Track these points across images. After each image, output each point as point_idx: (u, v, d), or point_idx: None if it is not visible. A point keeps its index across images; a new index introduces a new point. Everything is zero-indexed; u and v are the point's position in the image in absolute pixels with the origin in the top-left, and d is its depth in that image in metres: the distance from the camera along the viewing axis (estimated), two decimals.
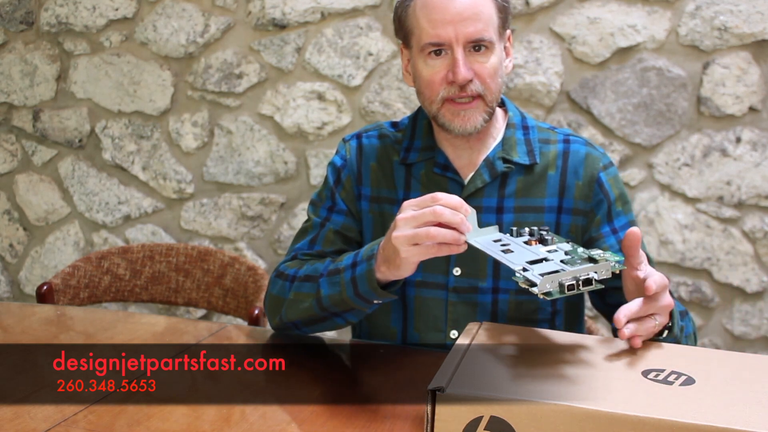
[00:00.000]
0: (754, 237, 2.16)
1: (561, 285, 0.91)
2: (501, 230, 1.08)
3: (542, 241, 1.05)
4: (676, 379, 0.75)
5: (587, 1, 2.18)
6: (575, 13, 2.19)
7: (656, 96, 2.17)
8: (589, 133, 2.21)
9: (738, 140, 2.14)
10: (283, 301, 1.29)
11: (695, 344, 1.26)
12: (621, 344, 0.91)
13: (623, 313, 0.99)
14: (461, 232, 1.03)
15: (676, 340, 1.14)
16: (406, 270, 1.10)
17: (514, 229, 1.07)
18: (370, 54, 2.33)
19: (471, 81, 1.20)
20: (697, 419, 0.66)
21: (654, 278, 1.02)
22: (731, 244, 2.18)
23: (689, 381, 0.75)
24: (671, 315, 1.10)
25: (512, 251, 1.02)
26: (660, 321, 1.04)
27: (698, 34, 2.12)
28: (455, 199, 1.04)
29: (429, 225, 1.03)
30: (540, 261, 0.98)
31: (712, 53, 2.13)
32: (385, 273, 1.13)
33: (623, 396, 0.70)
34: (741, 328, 2.20)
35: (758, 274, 2.18)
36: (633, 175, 2.21)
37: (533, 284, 0.90)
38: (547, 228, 1.07)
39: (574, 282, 0.92)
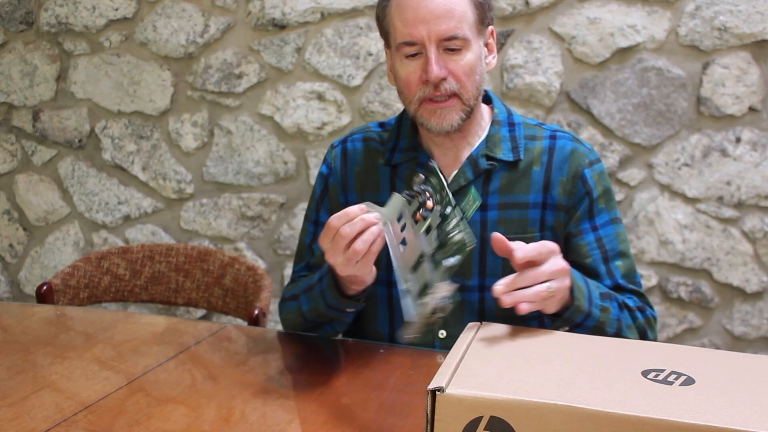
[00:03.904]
0: (753, 237, 2.17)
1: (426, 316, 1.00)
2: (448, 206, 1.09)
3: (424, 205, 1.07)
4: (676, 379, 0.75)
5: (587, 1, 2.18)
6: (575, 13, 2.19)
7: (656, 96, 2.17)
8: (589, 133, 2.21)
9: (738, 140, 2.14)
10: (285, 317, 1.38)
11: (650, 337, 1.28)
12: (621, 344, 0.91)
13: (499, 282, 1.01)
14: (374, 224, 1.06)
15: (597, 322, 1.16)
16: (358, 282, 1.16)
17: (405, 194, 1.09)
18: (370, 54, 2.33)
19: (445, 80, 1.20)
20: (697, 419, 0.66)
21: (524, 248, 1.02)
22: (731, 244, 2.18)
23: (689, 381, 0.74)
24: (573, 289, 1.12)
25: (407, 242, 1.06)
26: (556, 286, 1.04)
27: (698, 34, 2.12)
28: (346, 214, 1.05)
29: (349, 244, 1.05)
30: (420, 259, 1.03)
31: (711, 53, 2.13)
32: (347, 286, 1.19)
33: (623, 396, 0.70)
34: (741, 328, 2.21)
35: (758, 274, 2.18)
36: (633, 175, 2.21)
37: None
38: (424, 188, 1.08)
39: (434, 308, 0.99)
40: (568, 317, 1.13)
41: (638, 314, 1.26)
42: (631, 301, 1.27)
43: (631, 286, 1.29)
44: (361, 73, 2.34)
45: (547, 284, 1.03)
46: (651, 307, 1.30)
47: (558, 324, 1.14)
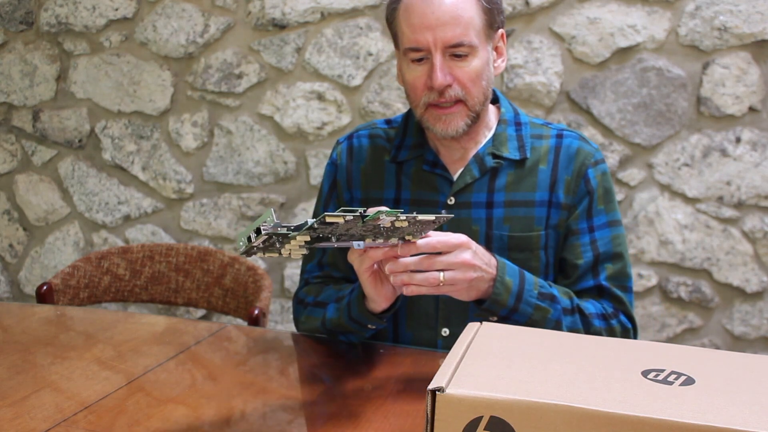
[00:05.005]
0: (753, 237, 2.17)
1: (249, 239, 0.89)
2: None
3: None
4: (676, 379, 0.75)
5: (587, 1, 2.18)
6: (575, 13, 2.19)
7: (656, 96, 2.17)
8: (588, 133, 2.21)
9: (738, 140, 2.14)
10: (303, 320, 1.36)
11: None
12: (621, 344, 0.91)
13: (396, 261, 1.06)
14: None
15: (529, 319, 1.17)
16: (370, 295, 1.15)
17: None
18: (370, 54, 2.33)
19: (450, 86, 1.20)
20: (697, 419, 0.66)
21: (428, 240, 1.06)
22: (731, 244, 2.18)
23: (689, 381, 0.74)
24: (496, 283, 1.15)
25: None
26: (451, 276, 1.07)
27: (698, 34, 2.12)
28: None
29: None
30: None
31: (711, 53, 2.13)
32: (368, 303, 1.18)
33: (623, 396, 0.70)
34: (741, 328, 2.20)
35: (758, 274, 2.18)
36: (633, 175, 2.21)
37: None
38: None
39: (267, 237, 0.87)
40: (487, 308, 1.16)
41: (597, 321, 1.24)
42: (594, 307, 1.25)
43: (614, 290, 1.27)
44: (361, 73, 2.34)
45: (442, 273, 1.07)
46: (628, 317, 1.27)
47: (480, 313, 1.17)
